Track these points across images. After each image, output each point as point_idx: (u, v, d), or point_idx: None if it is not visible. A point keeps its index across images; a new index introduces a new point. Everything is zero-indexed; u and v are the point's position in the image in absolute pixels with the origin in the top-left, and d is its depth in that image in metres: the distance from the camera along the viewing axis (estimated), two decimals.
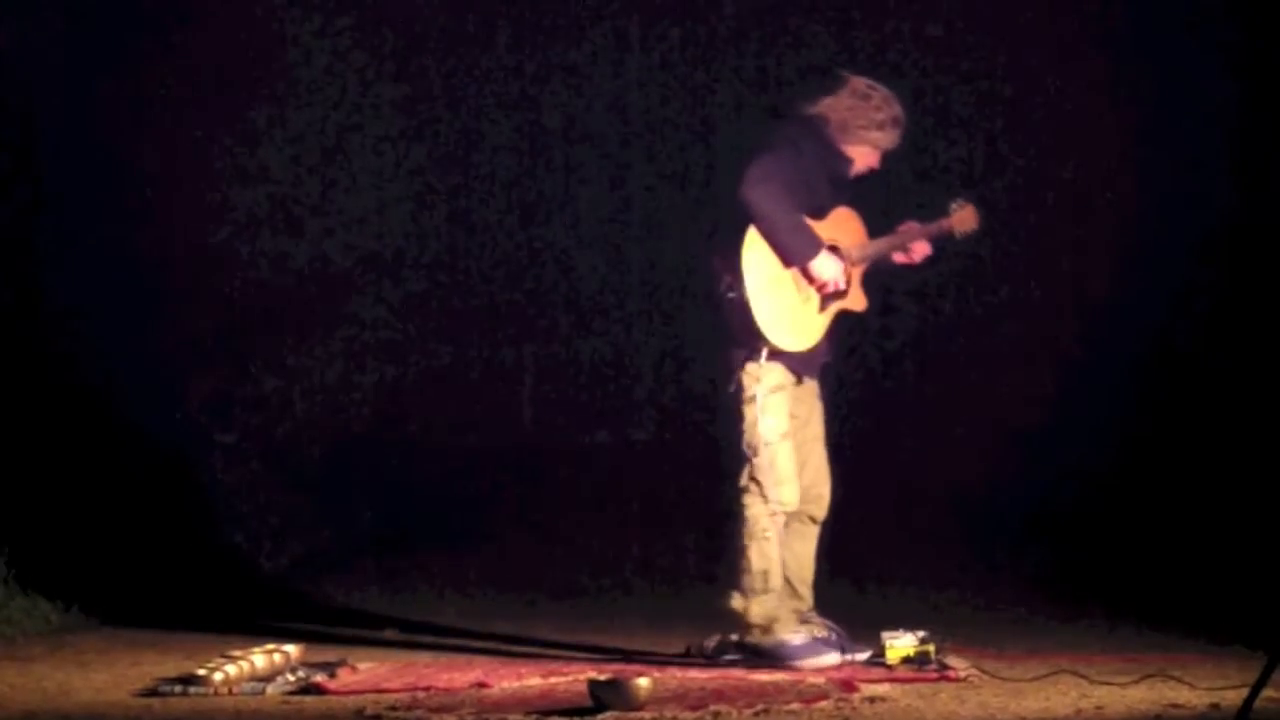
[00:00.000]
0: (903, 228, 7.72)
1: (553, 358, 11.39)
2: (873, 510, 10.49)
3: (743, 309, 7.28)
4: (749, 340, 7.32)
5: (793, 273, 7.37)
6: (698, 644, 7.56)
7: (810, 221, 7.38)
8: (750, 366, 7.33)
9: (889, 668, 7.26)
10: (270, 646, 7.24)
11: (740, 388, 7.35)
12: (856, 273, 7.56)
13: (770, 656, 7.32)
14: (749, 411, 7.33)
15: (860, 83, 7.56)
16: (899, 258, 7.75)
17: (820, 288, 7.39)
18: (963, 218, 7.75)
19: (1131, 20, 10.14)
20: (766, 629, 7.34)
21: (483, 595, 9.92)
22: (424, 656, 7.77)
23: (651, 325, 10.96)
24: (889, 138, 7.56)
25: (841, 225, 7.53)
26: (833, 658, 7.32)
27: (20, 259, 9.94)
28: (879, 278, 7.92)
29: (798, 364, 7.44)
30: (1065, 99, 10.54)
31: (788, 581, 7.52)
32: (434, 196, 11.23)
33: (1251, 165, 9.79)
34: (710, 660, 7.47)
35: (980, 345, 10.69)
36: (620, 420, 11.01)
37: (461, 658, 7.75)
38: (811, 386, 7.59)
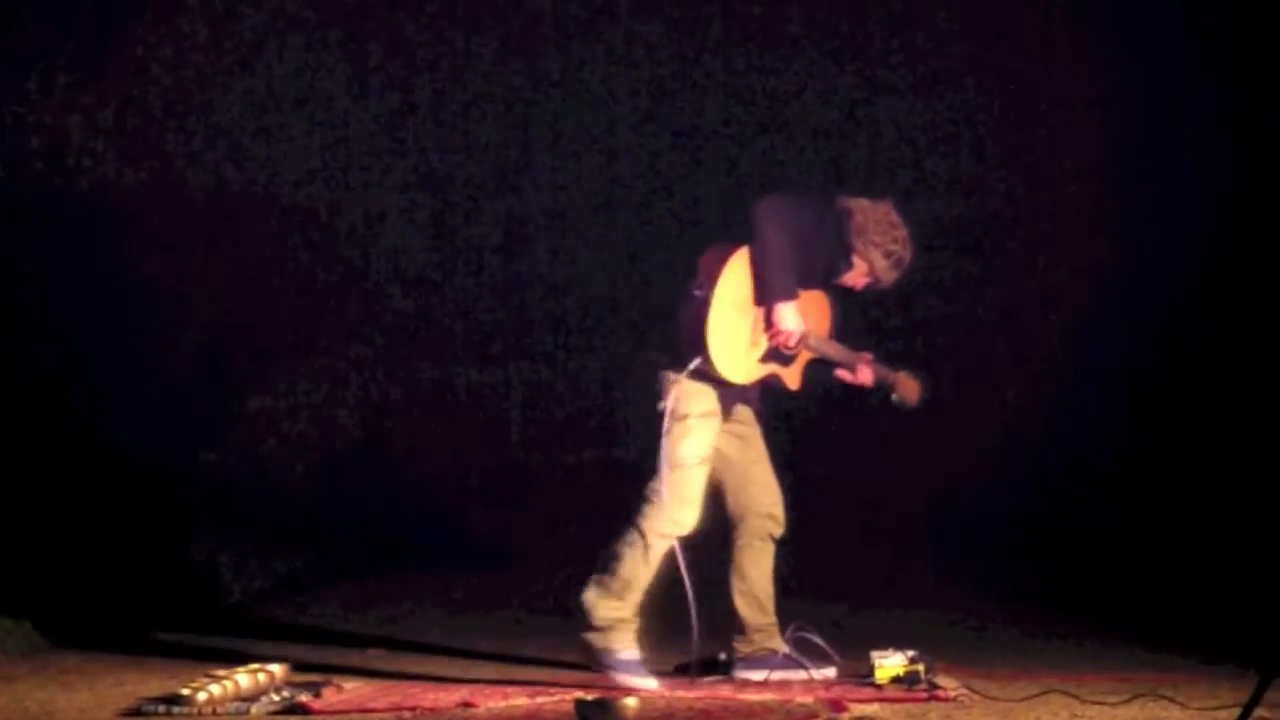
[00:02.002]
0: (861, 354, 7.74)
1: (539, 377, 11.38)
2: (860, 528, 10.49)
3: (700, 310, 7.28)
4: (689, 345, 7.30)
5: (757, 313, 7.39)
6: (685, 663, 7.53)
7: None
8: (686, 384, 7.30)
9: (878, 687, 7.23)
10: (255, 666, 7.21)
11: (675, 404, 7.33)
12: (804, 355, 7.59)
13: (595, 657, 7.35)
14: (677, 428, 7.34)
15: (895, 214, 7.64)
16: (841, 373, 7.76)
17: (773, 336, 7.40)
18: (907, 385, 7.77)
19: (1123, 31, 10.16)
20: (604, 634, 7.34)
21: (469, 614, 9.88)
22: (409, 676, 7.72)
23: (638, 344, 10.92)
24: (887, 272, 7.62)
25: (813, 306, 7.57)
26: (650, 683, 7.28)
27: (2, 276, 9.89)
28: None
29: (723, 396, 7.44)
30: (1056, 109, 10.55)
31: (755, 598, 7.59)
32: (420, 214, 11.21)
33: (1245, 174, 9.80)
34: (698, 679, 7.43)
35: (967, 361, 10.68)
36: (606, 440, 10.98)
37: (447, 677, 7.70)
38: (747, 412, 7.60)
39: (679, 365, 7.34)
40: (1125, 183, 10.26)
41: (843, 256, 7.59)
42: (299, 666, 7.54)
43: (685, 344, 7.33)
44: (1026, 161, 10.76)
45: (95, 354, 9.93)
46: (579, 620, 7.41)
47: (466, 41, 11.27)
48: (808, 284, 7.49)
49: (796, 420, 10.01)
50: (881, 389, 7.81)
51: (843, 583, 9.81)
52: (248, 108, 10.55)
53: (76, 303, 9.90)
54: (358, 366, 11.05)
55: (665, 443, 7.35)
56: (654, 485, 7.36)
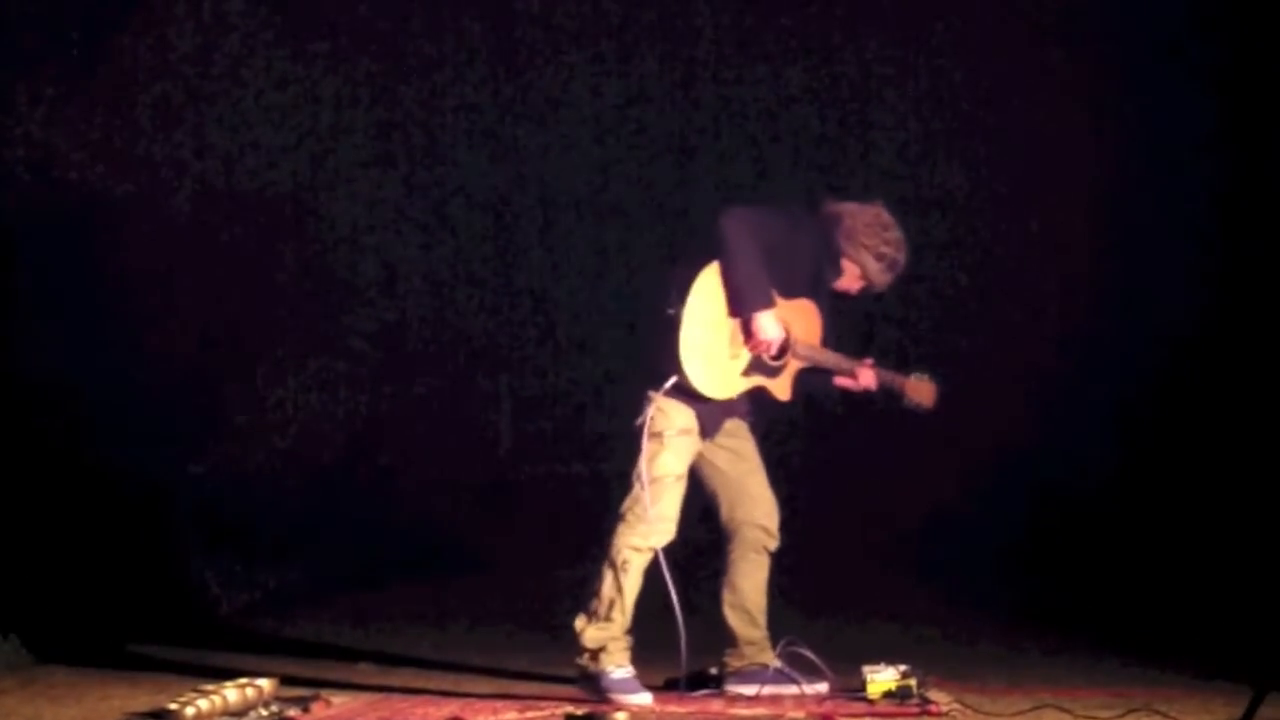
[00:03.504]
0: (862, 360, 7.68)
1: (529, 389, 11.36)
2: (853, 542, 10.47)
3: (672, 328, 7.22)
4: (664, 363, 7.25)
5: (734, 326, 7.33)
6: (675, 678, 7.49)
7: (774, 294, 7.34)
8: (662, 401, 7.27)
9: (870, 702, 7.20)
10: (243, 681, 7.16)
11: (650, 421, 7.30)
12: (793, 364, 7.52)
13: (590, 683, 7.30)
14: (651, 444, 7.29)
15: (887, 214, 7.58)
16: (841, 380, 7.69)
17: (753, 346, 7.34)
18: (919, 388, 7.70)
19: (1116, 46, 10.16)
20: (594, 655, 7.30)
21: (458, 628, 9.85)
22: (399, 691, 7.68)
23: (628, 357, 10.89)
24: (881, 275, 7.56)
25: (800, 314, 7.50)
26: (645, 698, 7.24)
27: None
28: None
29: (704, 414, 7.37)
30: (1050, 124, 10.54)
31: (747, 611, 7.56)
32: (409, 226, 11.19)
33: (1239, 190, 9.80)
34: (687, 694, 7.40)
35: (960, 376, 10.65)
36: (596, 452, 10.95)
37: (437, 692, 7.66)
38: (739, 424, 7.55)
39: (657, 383, 7.29)
40: (1119, 198, 10.26)
41: (829, 262, 7.52)
42: (287, 681, 7.50)
43: (661, 362, 7.27)
44: (1019, 175, 10.75)
45: (82, 366, 9.88)
46: (571, 647, 7.37)
47: (455, 52, 11.26)
48: (791, 293, 7.43)
49: (791, 434, 9.98)
50: (889, 395, 7.75)
51: (835, 596, 9.79)
52: (236, 119, 10.51)
53: (63, 315, 9.85)
54: (347, 379, 11.03)
55: (640, 460, 7.30)
56: (625, 502, 7.32)
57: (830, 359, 7.64)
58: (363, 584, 10.51)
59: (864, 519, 10.59)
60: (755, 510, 7.59)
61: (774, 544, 7.62)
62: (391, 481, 11.02)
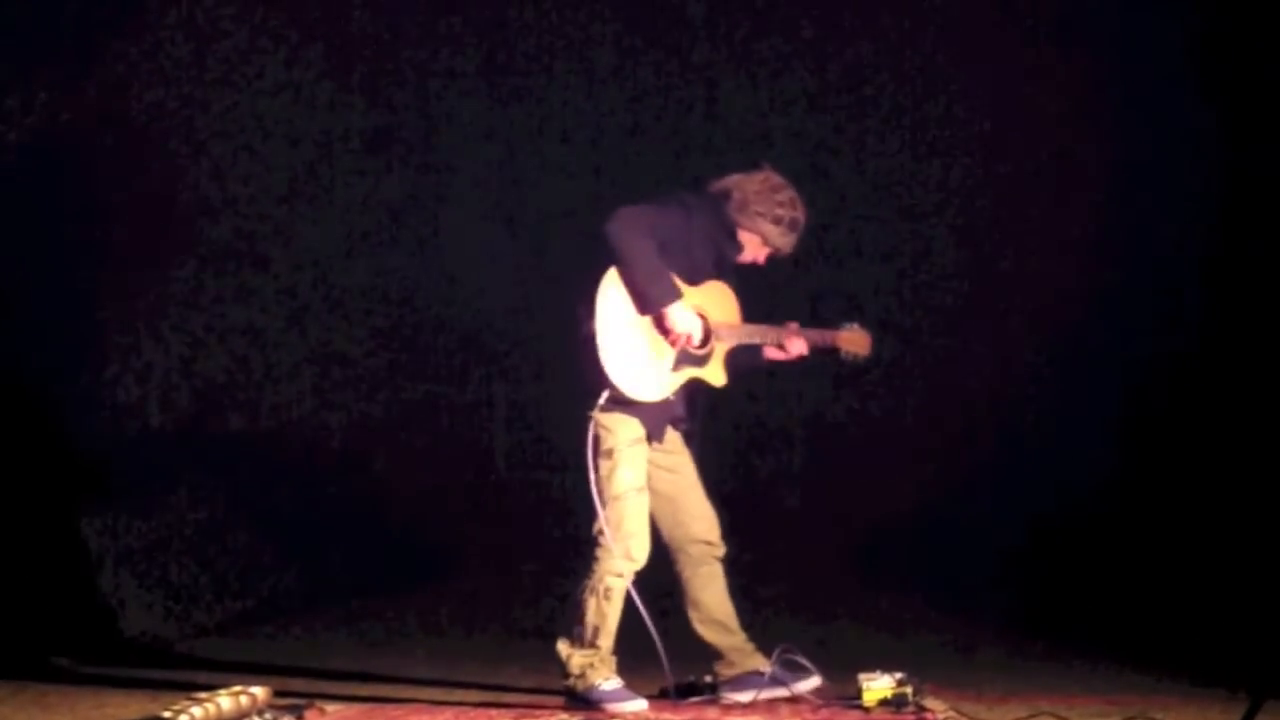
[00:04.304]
0: (785, 325, 7.60)
1: (522, 396, 11.34)
2: (848, 549, 10.45)
3: (589, 345, 7.17)
4: (594, 382, 7.20)
5: (648, 322, 7.26)
6: (665, 688, 7.47)
7: (680, 284, 7.28)
8: (603, 417, 7.21)
9: (866, 710, 7.19)
10: (237, 688, 7.14)
11: (597, 439, 7.24)
12: (719, 348, 7.45)
13: (584, 701, 7.26)
14: (605, 463, 7.23)
15: (776, 176, 7.50)
16: (771, 352, 7.62)
17: (673, 341, 7.28)
18: (853, 338, 7.64)
19: (1111, 50, 10.15)
20: (582, 676, 7.27)
21: (453, 636, 9.83)
22: (393, 699, 7.66)
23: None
24: (783, 237, 7.48)
25: (713, 298, 7.44)
26: (639, 704, 7.22)
27: None
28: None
29: (648, 419, 7.32)
30: (1045, 130, 10.54)
31: (718, 622, 7.51)
32: (403, 231, 11.17)
33: (1231, 194, 9.79)
34: (679, 702, 7.38)
35: (957, 383, 10.66)
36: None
37: (431, 700, 7.65)
38: (675, 438, 7.50)
39: (591, 401, 7.23)
40: (1117, 202, 10.25)
41: (729, 240, 7.45)
42: (281, 689, 7.48)
43: (590, 380, 7.21)
44: (1015, 183, 10.74)
45: (76, 371, 9.85)
46: (557, 667, 7.34)
47: (449, 59, 11.24)
48: (697, 278, 7.35)
49: (786, 441, 9.97)
50: (823, 352, 7.68)
51: (830, 603, 9.77)
52: (229, 125, 10.48)
53: (57, 320, 9.82)
54: (340, 386, 11.00)
55: (596, 480, 7.24)
56: (595, 526, 7.25)
57: (755, 333, 7.54)
58: (356, 591, 10.49)
59: (860, 525, 10.57)
60: (694, 527, 7.53)
61: (720, 551, 7.56)
62: (385, 489, 10.99)
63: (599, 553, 7.26)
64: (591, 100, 11.26)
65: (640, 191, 10.92)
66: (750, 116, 11.15)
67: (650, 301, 7.20)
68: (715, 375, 7.47)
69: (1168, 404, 9.92)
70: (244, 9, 10.44)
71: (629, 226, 7.16)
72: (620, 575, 7.25)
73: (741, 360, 7.57)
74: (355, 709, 7.39)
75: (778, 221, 7.44)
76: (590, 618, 7.26)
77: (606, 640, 7.28)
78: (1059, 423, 10.23)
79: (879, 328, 10.30)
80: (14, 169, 9.85)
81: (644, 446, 7.31)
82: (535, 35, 11.22)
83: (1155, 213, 10.05)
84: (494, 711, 7.21)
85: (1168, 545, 9.65)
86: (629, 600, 7.27)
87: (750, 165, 7.58)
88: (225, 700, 7.00)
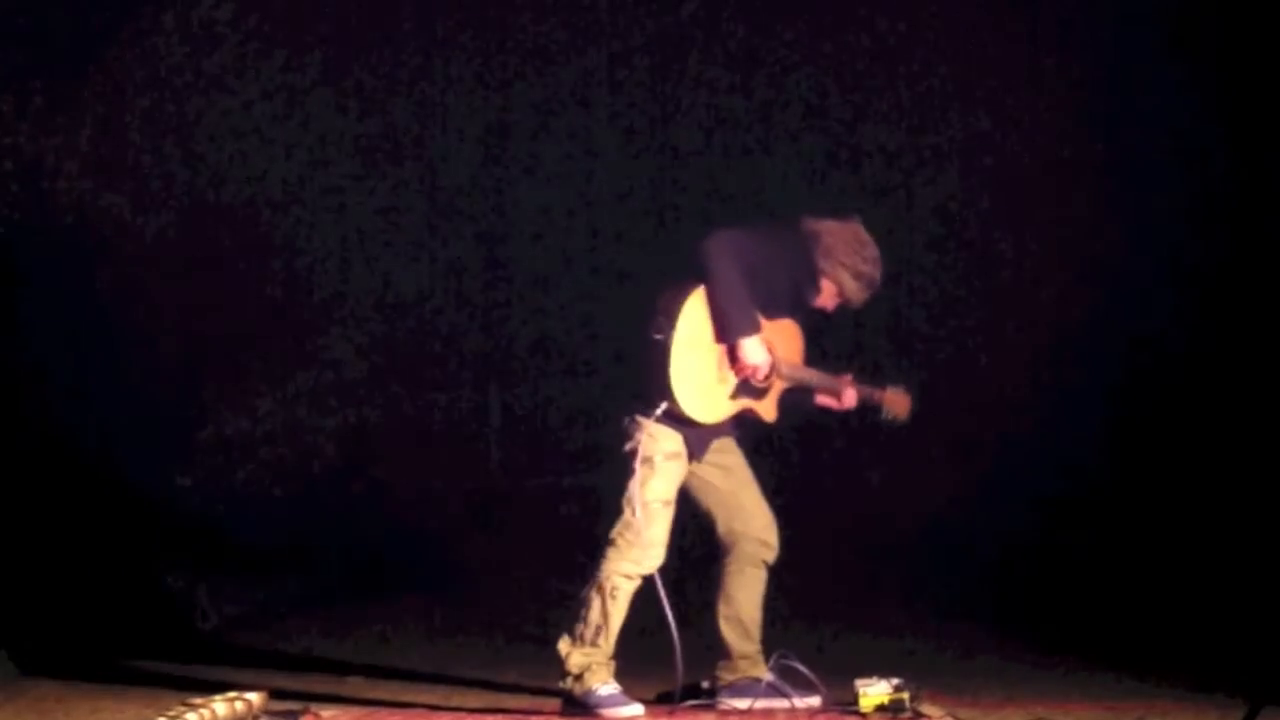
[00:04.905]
0: (841, 376, 7.70)
1: (519, 401, 11.33)
2: (844, 554, 10.44)
3: (661, 354, 7.21)
4: (653, 389, 7.23)
5: (720, 350, 7.31)
6: (668, 691, 7.47)
7: (759, 317, 7.34)
8: (648, 425, 7.24)
9: (863, 716, 7.20)
10: (232, 694, 7.12)
11: (638, 446, 7.27)
12: (778, 385, 7.51)
13: (579, 704, 7.27)
14: (641, 470, 7.27)
15: (864, 232, 7.57)
16: (822, 399, 7.72)
17: (739, 371, 7.32)
18: (895, 400, 7.76)
19: (1110, 56, 10.15)
20: (579, 677, 7.27)
21: (449, 641, 9.82)
22: (389, 704, 7.65)
23: (619, 369, 10.87)
24: (858, 291, 7.55)
25: (782, 335, 7.50)
26: (635, 710, 7.24)
27: None
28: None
29: (691, 437, 7.36)
30: (1042, 134, 10.53)
31: (742, 624, 7.53)
32: (399, 237, 11.15)
33: (1228, 200, 9.79)
34: (678, 705, 7.37)
35: (953, 385, 10.66)
36: (587, 465, 10.92)
37: (428, 705, 7.63)
38: (728, 441, 7.54)
39: (646, 409, 7.27)
40: (1110, 206, 10.24)
41: (809, 281, 7.52)
42: (277, 694, 7.46)
43: (650, 387, 7.25)
44: (1012, 186, 10.73)
45: (69, 377, 9.83)
46: (556, 670, 7.34)
47: (446, 64, 11.23)
48: (772, 313, 7.42)
49: (780, 446, 9.95)
50: (866, 409, 7.76)
51: (827, 609, 9.76)
52: (226, 129, 10.46)
53: (50, 327, 9.80)
54: (337, 390, 10.98)
55: (631, 485, 7.27)
56: (616, 528, 7.28)
57: (814, 378, 7.65)
58: (352, 596, 10.47)
59: (856, 531, 10.56)
60: (753, 523, 7.56)
61: (772, 557, 7.59)
62: (381, 493, 10.98)
63: (610, 552, 7.27)
64: (587, 105, 11.24)
65: (636, 197, 11.06)
66: (747, 121, 11.14)
67: (731, 329, 7.26)
68: (768, 410, 7.54)
69: (1166, 410, 9.91)
70: (240, 14, 10.42)
71: (726, 250, 7.21)
72: (629, 578, 7.27)
73: (795, 401, 7.66)
74: (352, 714, 7.38)
75: (859, 277, 7.51)
76: (594, 616, 7.27)
77: (608, 642, 7.29)
78: (1057, 428, 10.21)
79: (876, 334, 10.40)
80: (7, 174, 9.85)
81: (681, 462, 7.36)
82: (532, 40, 11.20)
83: (1155, 213, 10.05)
84: (491, 716, 7.21)
85: (1166, 551, 9.64)
86: (639, 600, 7.28)
87: (843, 213, 7.64)
88: (221, 706, 6.98)
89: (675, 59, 11.19)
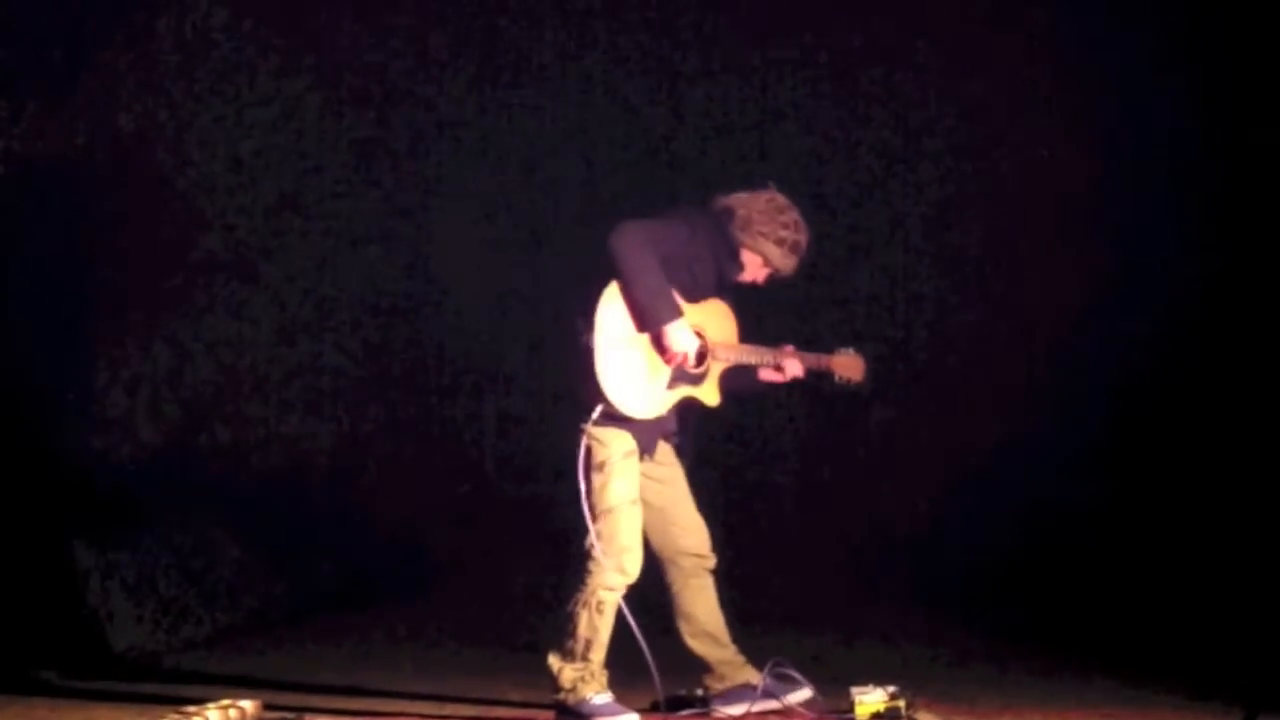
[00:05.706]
0: (781, 347, 7.58)
1: (514, 407, 11.32)
2: (840, 562, 10.43)
3: (587, 357, 7.13)
4: (588, 395, 7.15)
5: (646, 339, 7.22)
6: (656, 702, 7.44)
7: (680, 301, 7.24)
8: (596, 431, 7.17)
9: None
10: (225, 702, 7.14)
11: (589, 452, 7.20)
12: (716, 368, 7.43)
13: (573, 713, 7.25)
14: (597, 477, 7.19)
15: (780, 197, 7.46)
16: (765, 374, 7.60)
17: (669, 359, 7.24)
18: (845, 363, 7.61)
19: (1101, 65, 10.16)
20: (573, 690, 7.25)
21: (443, 649, 9.80)
22: (382, 713, 7.63)
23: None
24: (784, 259, 7.44)
25: (712, 316, 7.41)
26: (630, 718, 7.22)
27: None
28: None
29: (640, 434, 7.28)
30: (1037, 139, 10.53)
31: (709, 635, 7.51)
32: (393, 243, 11.14)
33: (1227, 202, 9.79)
34: (670, 716, 7.34)
35: (948, 392, 10.66)
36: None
37: (420, 714, 7.60)
38: (667, 451, 7.48)
39: (585, 415, 7.19)
40: (1106, 212, 10.24)
41: (730, 258, 7.42)
42: (271, 703, 7.44)
43: (584, 393, 7.18)
44: (1008, 190, 10.73)
45: (65, 382, 9.80)
46: (548, 684, 7.31)
47: (440, 69, 11.22)
48: (697, 296, 7.33)
49: (776, 450, 9.93)
50: (818, 376, 7.65)
51: (823, 616, 9.74)
52: (219, 135, 10.43)
53: (46, 329, 9.77)
54: (330, 397, 10.96)
55: (588, 494, 7.19)
56: (588, 541, 7.21)
57: (752, 354, 7.51)
58: (345, 604, 10.46)
59: (853, 538, 10.55)
60: (684, 540, 7.51)
61: (711, 563, 7.55)
62: (375, 500, 10.96)
63: (591, 566, 7.22)
64: (582, 112, 11.24)
65: (631, 203, 11.04)
66: (743, 125, 11.13)
67: (650, 319, 7.16)
68: (710, 395, 7.44)
69: (1163, 417, 9.91)
70: (233, 20, 10.40)
71: (633, 241, 7.11)
72: (613, 589, 7.22)
73: (738, 381, 7.55)
74: None
75: (780, 243, 7.40)
76: (582, 631, 7.23)
77: (598, 654, 7.25)
78: (1053, 436, 10.21)
79: (871, 340, 10.38)
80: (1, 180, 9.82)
81: (636, 460, 7.28)
82: (525, 47, 11.20)
83: (1153, 217, 10.05)
84: None
85: (1163, 558, 9.64)
86: (620, 614, 7.24)
87: (755, 183, 7.54)
88: (214, 714, 6.99)
89: (672, 65, 11.19)
